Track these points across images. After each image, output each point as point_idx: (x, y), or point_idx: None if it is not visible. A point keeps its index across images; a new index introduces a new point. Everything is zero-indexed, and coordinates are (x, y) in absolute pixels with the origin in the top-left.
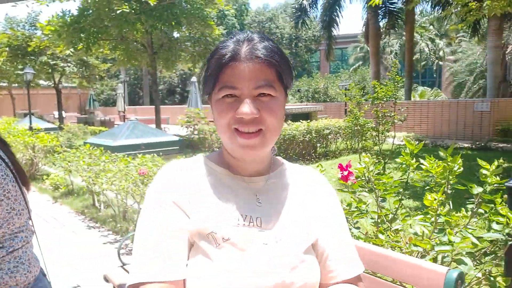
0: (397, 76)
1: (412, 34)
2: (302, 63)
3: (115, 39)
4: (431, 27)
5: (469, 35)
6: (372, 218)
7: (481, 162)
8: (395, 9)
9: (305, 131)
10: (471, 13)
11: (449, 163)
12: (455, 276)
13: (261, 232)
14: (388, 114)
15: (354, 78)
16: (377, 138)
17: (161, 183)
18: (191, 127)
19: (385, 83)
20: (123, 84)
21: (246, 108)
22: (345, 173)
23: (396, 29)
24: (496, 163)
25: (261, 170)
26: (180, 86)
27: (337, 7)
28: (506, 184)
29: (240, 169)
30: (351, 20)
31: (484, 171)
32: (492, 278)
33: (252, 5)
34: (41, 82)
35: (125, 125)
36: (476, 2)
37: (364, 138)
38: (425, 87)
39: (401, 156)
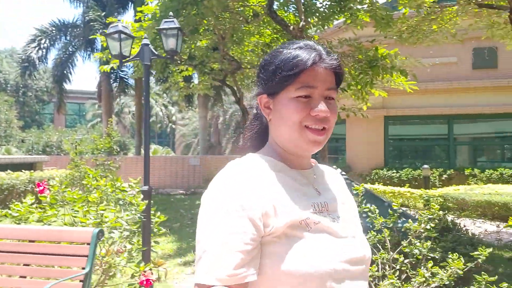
0: (113, 131)
1: (140, 98)
2: (32, 113)
3: None
4: (165, 95)
5: (186, 106)
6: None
7: None
8: (125, 76)
9: (27, 181)
10: (181, 90)
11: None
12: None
13: (331, 214)
14: (106, 163)
15: (92, 133)
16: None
17: (237, 185)
18: None
19: (105, 137)
20: None
21: (323, 106)
22: (41, 188)
23: (126, 92)
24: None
25: (308, 165)
26: None
27: (69, 64)
28: None
29: (295, 163)
30: (90, 77)
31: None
32: None
33: None
34: None
35: None
36: (184, 82)
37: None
38: (159, 146)
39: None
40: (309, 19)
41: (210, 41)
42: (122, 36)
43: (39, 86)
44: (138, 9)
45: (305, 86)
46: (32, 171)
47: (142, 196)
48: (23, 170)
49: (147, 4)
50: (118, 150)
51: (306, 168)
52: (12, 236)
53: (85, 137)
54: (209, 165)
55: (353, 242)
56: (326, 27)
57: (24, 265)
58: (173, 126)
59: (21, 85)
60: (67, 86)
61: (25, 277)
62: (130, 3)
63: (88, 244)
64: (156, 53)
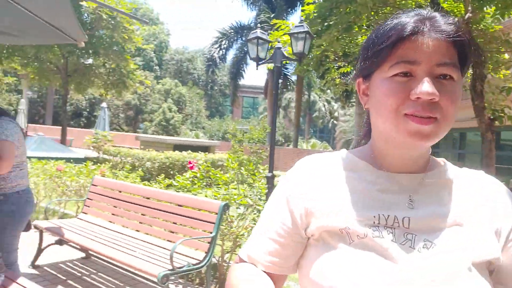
0: (266, 125)
1: (300, 94)
2: (216, 105)
3: (29, 57)
4: (329, 91)
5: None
6: None
7: None
8: (288, 73)
9: (201, 161)
10: (337, 86)
11: None
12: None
13: (409, 233)
14: (259, 151)
15: (261, 125)
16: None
17: (293, 176)
18: (97, 148)
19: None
20: (26, 101)
21: (427, 86)
22: (191, 165)
23: (288, 88)
24: None
25: (414, 167)
26: (87, 109)
27: (243, 62)
28: None
29: (389, 164)
30: (263, 74)
31: None
32: None
33: (172, 44)
34: None
35: (32, 139)
36: (340, 78)
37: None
38: (317, 140)
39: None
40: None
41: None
42: (260, 41)
43: (222, 81)
44: (302, 8)
45: (402, 62)
46: (206, 153)
47: (264, 181)
48: (199, 152)
49: (309, 4)
50: (283, 141)
51: (413, 171)
52: (169, 200)
53: (252, 127)
54: None
55: (421, 276)
56: (507, 18)
57: (172, 222)
58: (335, 122)
59: (210, 80)
60: (243, 82)
61: (172, 232)
62: (298, 3)
63: (216, 213)
64: (287, 55)
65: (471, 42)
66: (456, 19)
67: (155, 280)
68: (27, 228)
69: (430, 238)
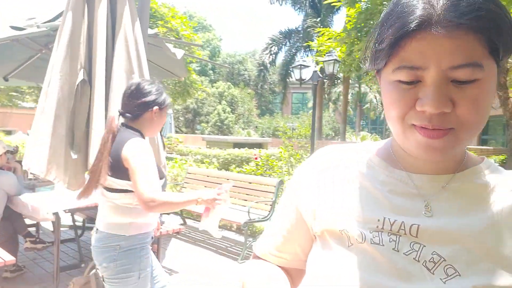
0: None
1: (347, 91)
2: (266, 103)
3: None
4: None
5: None
6: None
7: None
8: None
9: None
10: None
11: None
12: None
13: (415, 243)
14: (306, 145)
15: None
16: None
17: (304, 170)
18: (171, 149)
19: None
20: None
21: (433, 100)
22: (255, 157)
23: (335, 85)
24: None
25: (439, 168)
26: None
27: (291, 64)
28: None
29: (407, 163)
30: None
31: None
32: None
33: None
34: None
35: None
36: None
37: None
38: (367, 133)
39: None
40: None
41: None
42: (302, 67)
43: (272, 80)
44: (347, 13)
45: (405, 67)
46: (260, 149)
47: None
48: (254, 148)
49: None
50: (333, 135)
51: (438, 172)
52: (243, 180)
53: (300, 125)
54: None
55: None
56: None
57: (246, 194)
58: None
59: (260, 79)
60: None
61: (245, 200)
62: (341, 7)
63: (275, 187)
64: (321, 76)
65: (499, 21)
66: (474, 2)
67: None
68: None
69: (440, 252)
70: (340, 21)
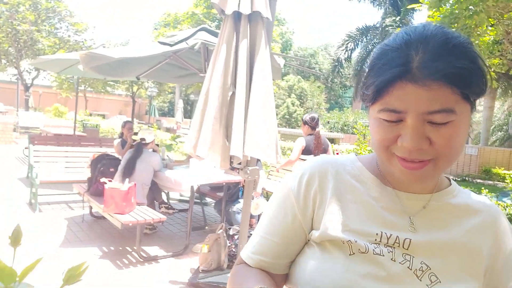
0: None
1: None
2: (336, 97)
3: None
4: None
5: None
6: None
7: None
8: None
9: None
10: None
11: None
12: None
13: (408, 255)
14: None
15: None
16: None
17: (301, 178)
18: None
19: None
20: (181, 100)
21: (411, 140)
22: (337, 153)
23: None
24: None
25: (424, 187)
26: None
27: (367, 60)
28: None
29: (395, 181)
30: None
31: None
32: None
33: (296, 42)
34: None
35: None
36: None
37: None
38: None
39: None
40: None
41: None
42: None
43: (343, 73)
44: (428, 15)
45: (388, 110)
46: (333, 144)
47: None
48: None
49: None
50: None
51: (421, 191)
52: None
53: None
54: (488, 156)
55: None
56: None
57: None
58: None
59: (333, 75)
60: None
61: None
62: (422, 4)
63: None
64: None
65: (472, 76)
66: (461, 38)
67: None
68: None
69: (427, 262)
70: (420, 21)
